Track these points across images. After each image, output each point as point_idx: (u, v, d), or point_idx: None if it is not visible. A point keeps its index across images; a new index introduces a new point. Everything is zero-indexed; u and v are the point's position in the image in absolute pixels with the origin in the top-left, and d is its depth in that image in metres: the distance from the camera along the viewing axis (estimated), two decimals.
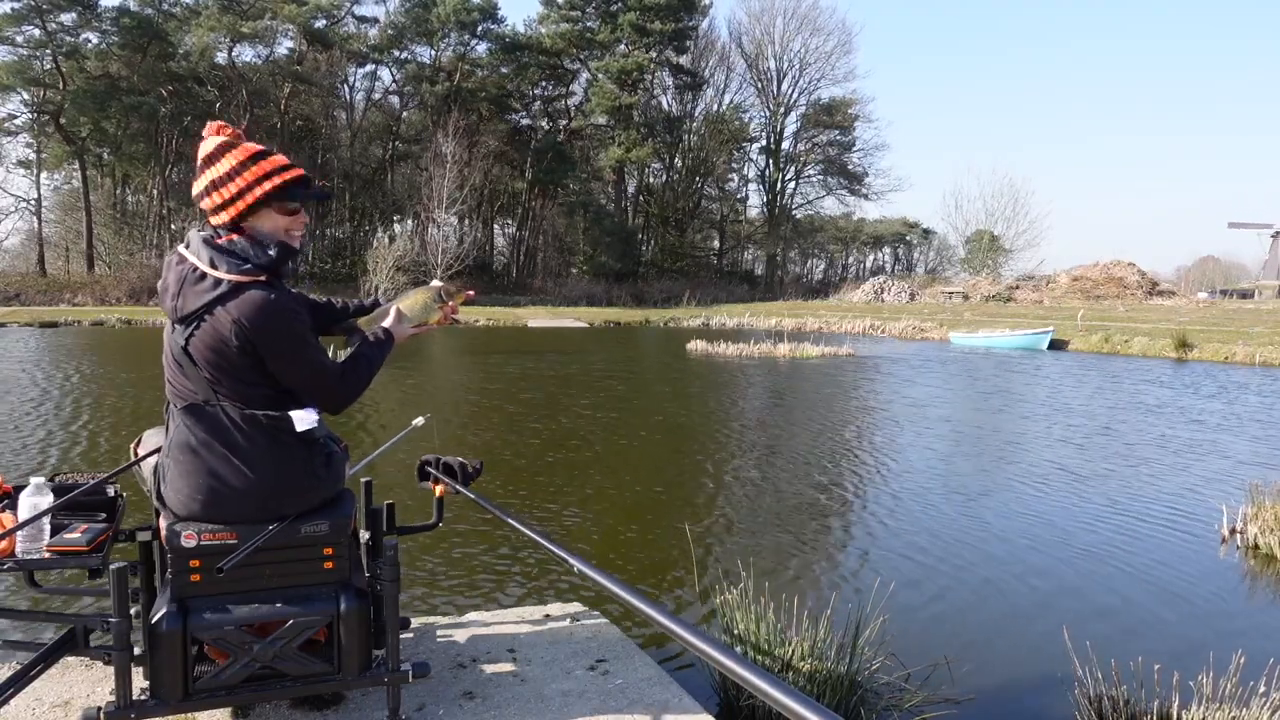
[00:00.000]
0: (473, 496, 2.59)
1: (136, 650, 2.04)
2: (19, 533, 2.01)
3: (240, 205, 2.06)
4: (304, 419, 2.07)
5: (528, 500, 6.30)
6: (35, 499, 2.07)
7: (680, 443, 8.86)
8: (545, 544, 2.02)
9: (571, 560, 1.88)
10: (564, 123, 53.61)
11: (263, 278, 2.03)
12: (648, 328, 34.72)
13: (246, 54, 45.48)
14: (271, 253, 2.06)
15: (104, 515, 2.23)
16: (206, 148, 2.07)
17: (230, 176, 2.05)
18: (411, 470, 2.91)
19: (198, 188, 2.10)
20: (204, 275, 2.01)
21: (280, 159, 2.11)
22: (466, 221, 48.77)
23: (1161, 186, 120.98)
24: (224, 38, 42.89)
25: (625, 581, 1.73)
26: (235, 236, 2.07)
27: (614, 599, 1.91)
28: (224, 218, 2.07)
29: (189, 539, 2.02)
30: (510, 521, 2.28)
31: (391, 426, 9.51)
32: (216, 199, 2.06)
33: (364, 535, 2.59)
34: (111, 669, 2.00)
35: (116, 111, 40.54)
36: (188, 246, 2.07)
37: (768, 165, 57.49)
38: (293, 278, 2.23)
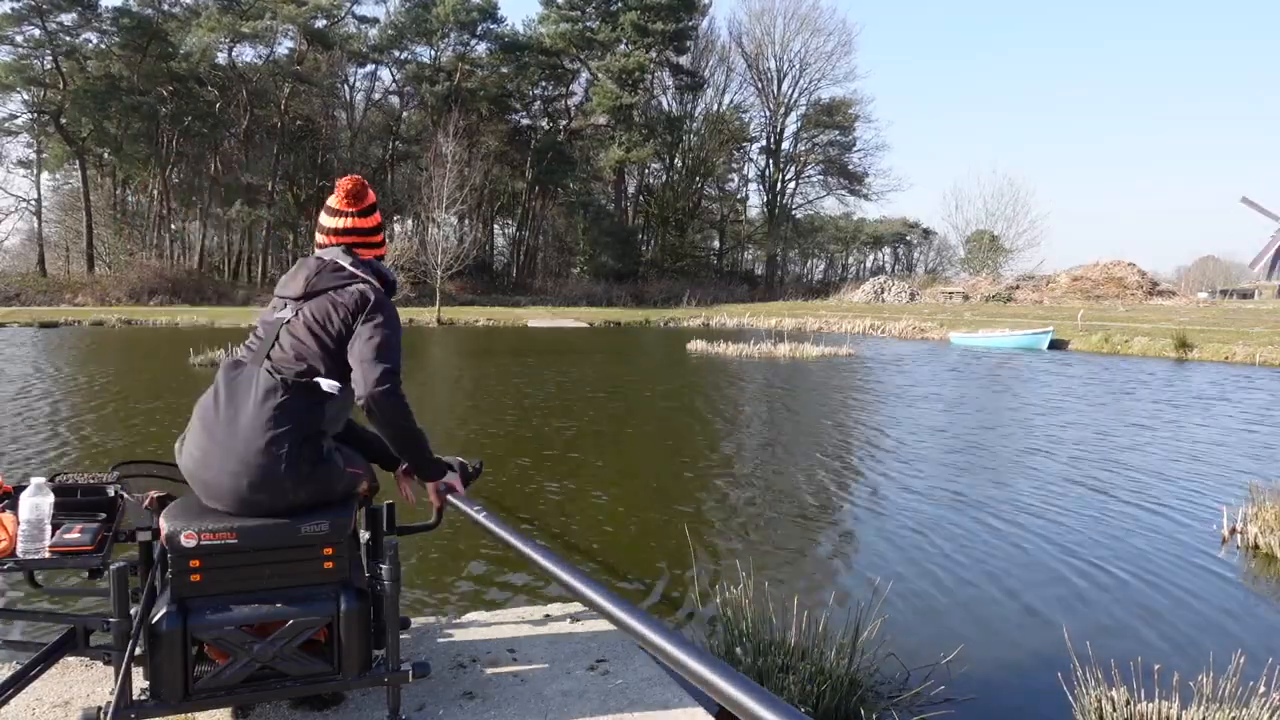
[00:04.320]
0: (463, 507, 2.38)
1: (136, 650, 2.05)
2: (19, 533, 2.02)
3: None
4: (331, 384, 2.23)
5: (527, 500, 6.29)
6: (35, 499, 2.07)
7: (679, 443, 8.86)
8: (534, 555, 2.01)
9: (558, 570, 1.86)
10: (564, 123, 53.59)
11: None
12: (648, 328, 34.71)
13: (246, 54, 45.58)
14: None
15: (104, 515, 2.24)
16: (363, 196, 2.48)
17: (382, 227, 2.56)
18: None
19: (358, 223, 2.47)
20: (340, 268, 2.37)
21: None
22: (466, 221, 48.73)
23: (1161, 186, 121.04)
24: (224, 38, 42.90)
25: (615, 594, 1.71)
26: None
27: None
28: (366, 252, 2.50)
29: (189, 539, 2.03)
30: (498, 530, 2.18)
31: None
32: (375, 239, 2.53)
33: (364, 535, 2.59)
34: (111, 669, 2.00)
35: (117, 112, 40.55)
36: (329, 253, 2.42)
37: (768, 165, 57.54)
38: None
